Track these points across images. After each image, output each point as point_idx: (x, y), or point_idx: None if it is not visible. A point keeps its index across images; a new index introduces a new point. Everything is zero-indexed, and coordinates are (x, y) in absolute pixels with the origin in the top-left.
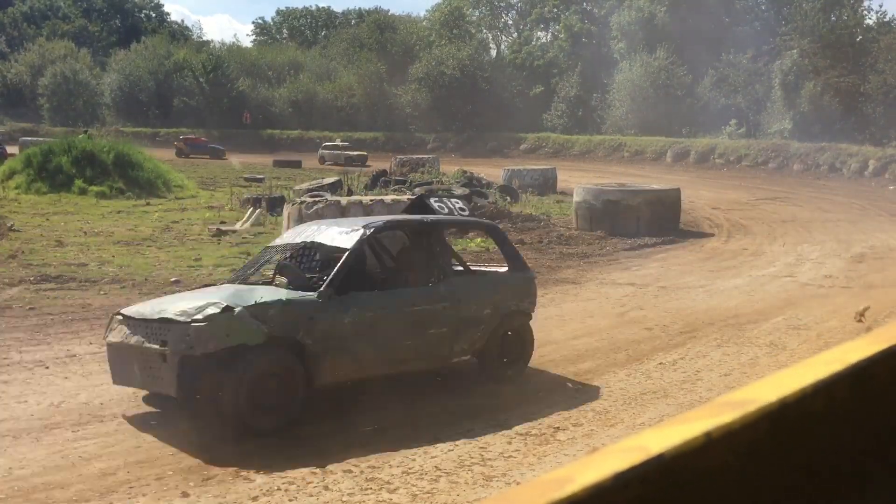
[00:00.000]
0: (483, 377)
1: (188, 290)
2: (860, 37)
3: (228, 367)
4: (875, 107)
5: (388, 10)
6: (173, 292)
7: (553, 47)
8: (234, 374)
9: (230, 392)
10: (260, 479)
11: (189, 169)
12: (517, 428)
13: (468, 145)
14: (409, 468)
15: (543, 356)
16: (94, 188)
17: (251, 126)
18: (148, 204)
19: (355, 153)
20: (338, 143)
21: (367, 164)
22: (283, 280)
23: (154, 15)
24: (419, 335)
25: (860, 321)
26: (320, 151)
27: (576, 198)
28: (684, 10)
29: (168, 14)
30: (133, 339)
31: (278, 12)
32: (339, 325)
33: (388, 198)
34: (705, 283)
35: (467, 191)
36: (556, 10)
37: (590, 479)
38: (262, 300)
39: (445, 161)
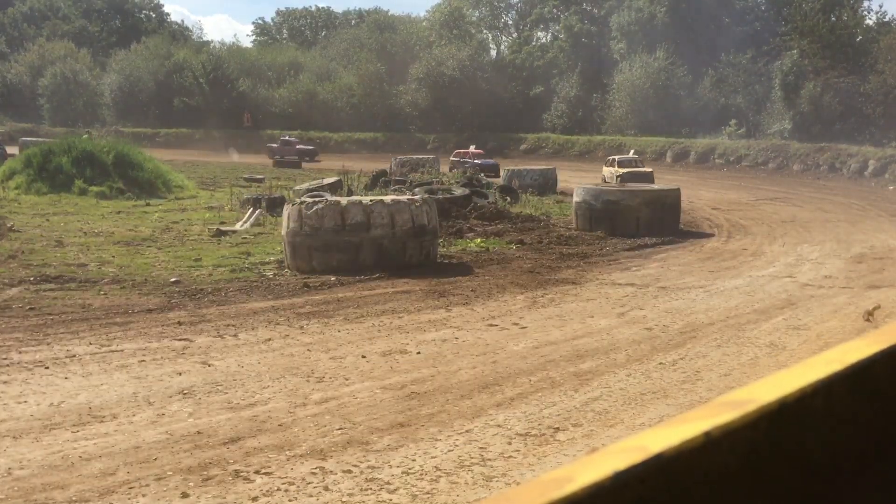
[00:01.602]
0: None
1: (188, 290)
2: (860, 37)
3: None
4: (875, 107)
5: (388, 11)
6: (173, 293)
7: (553, 48)
8: None
9: None
10: (259, 479)
11: (189, 169)
12: (517, 428)
13: (468, 145)
14: (409, 468)
15: (544, 356)
16: (94, 188)
17: (251, 126)
18: (148, 204)
19: (648, 170)
20: (631, 154)
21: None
22: None
23: (154, 15)
24: None
25: (868, 320)
26: (605, 170)
27: (575, 198)
28: (684, 10)
29: (168, 14)
30: None
31: (278, 13)
32: None
33: (388, 198)
34: (705, 283)
35: (467, 191)
36: (555, 10)
37: (589, 479)
38: None
39: (445, 161)
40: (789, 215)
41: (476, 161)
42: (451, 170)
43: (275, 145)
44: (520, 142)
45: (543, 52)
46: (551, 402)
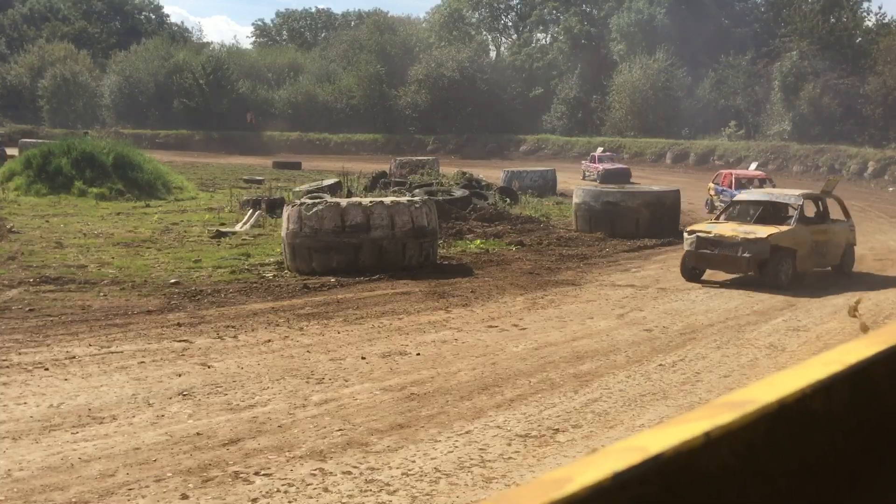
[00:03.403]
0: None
1: (187, 292)
2: (859, 38)
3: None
4: (874, 108)
5: (388, 12)
6: (173, 294)
7: (552, 49)
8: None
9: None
10: (259, 480)
11: (188, 170)
12: (517, 430)
13: (468, 147)
14: (409, 470)
15: (543, 358)
16: (94, 190)
17: (251, 128)
18: (147, 205)
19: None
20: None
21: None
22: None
23: (154, 17)
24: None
25: (854, 315)
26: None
27: (575, 199)
28: (684, 11)
29: (167, 16)
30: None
31: (278, 14)
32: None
33: (388, 199)
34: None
35: (467, 192)
36: (555, 11)
37: (589, 480)
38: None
39: (445, 163)
40: None
41: (736, 189)
42: (710, 210)
43: (589, 162)
44: (519, 143)
45: (543, 53)
46: (551, 403)
